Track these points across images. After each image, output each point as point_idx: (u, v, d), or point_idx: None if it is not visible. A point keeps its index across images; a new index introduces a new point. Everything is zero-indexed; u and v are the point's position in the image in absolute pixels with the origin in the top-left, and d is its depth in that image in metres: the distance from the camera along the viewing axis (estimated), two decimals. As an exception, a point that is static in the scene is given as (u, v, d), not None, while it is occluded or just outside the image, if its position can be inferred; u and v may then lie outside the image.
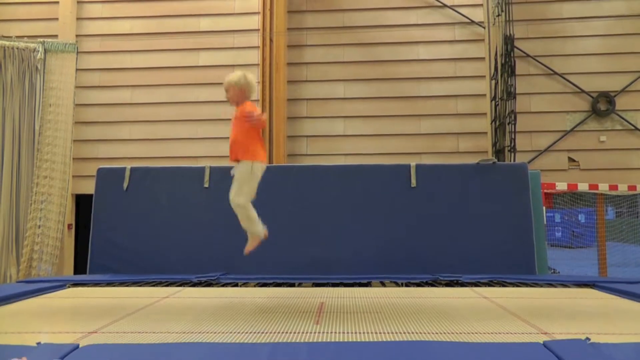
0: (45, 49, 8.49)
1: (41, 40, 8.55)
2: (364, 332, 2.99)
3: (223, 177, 6.13)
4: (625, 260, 9.04)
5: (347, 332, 2.99)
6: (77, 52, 8.73)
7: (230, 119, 4.08)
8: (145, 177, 6.36)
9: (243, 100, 3.83)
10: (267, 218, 6.14)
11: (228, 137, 8.92)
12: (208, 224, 6.06)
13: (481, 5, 8.93)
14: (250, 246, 3.85)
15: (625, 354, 2.48)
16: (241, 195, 3.63)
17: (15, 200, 8.30)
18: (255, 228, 3.67)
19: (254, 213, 3.71)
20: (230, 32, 9.21)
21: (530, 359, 2.38)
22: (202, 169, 6.28)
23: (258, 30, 9.06)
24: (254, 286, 5.21)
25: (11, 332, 3.11)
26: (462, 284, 5.09)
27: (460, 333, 2.93)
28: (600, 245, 8.60)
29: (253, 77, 3.92)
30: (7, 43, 8.46)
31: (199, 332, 3.01)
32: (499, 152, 8.06)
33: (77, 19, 9.36)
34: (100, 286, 5.11)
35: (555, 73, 8.78)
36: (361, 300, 4.05)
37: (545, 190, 7.61)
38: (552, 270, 7.41)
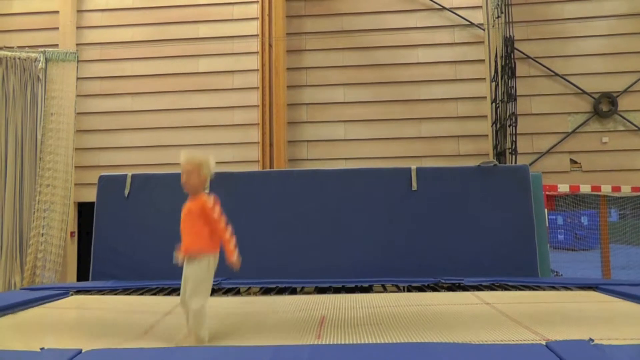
0: (46, 59, 8.54)
1: (42, 49, 8.60)
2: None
3: (223, 183, 6.15)
4: (629, 263, 9.00)
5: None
6: (78, 61, 8.77)
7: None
8: (147, 184, 6.36)
9: (200, 189, 3.26)
10: (269, 223, 6.17)
11: (229, 143, 9.01)
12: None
13: (481, 7, 8.94)
14: (185, 343, 3.04)
15: (628, 355, 2.47)
16: (200, 297, 3.06)
17: (18, 209, 8.33)
18: (203, 333, 3.02)
19: (206, 317, 3.09)
20: (230, 38, 9.24)
21: (533, 361, 2.37)
22: (203, 175, 6.27)
23: (257, 35, 9.09)
24: (256, 291, 5.20)
25: (15, 338, 3.11)
26: (464, 288, 5.07)
27: (463, 342, 2.90)
28: (604, 248, 8.57)
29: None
30: (8, 53, 8.51)
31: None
32: (500, 155, 8.05)
33: (77, 27, 9.40)
34: (104, 293, 5.11)
35: (556, 74, 8.78)
36: (362, 311, 3.99)
37: (547, 193, 7.60)
38: (555, 273, 7.38)
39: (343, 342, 3.02)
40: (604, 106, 8.68)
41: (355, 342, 3.01)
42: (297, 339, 3.16)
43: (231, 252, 3.18)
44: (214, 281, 5.35)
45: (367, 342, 3.01)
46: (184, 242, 3.19)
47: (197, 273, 3.10)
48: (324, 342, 3.04)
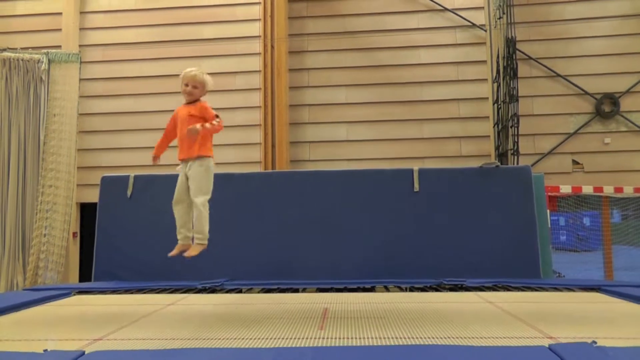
0: (49, 60, 8.58)
1: (45, 51, 8.63)
2: (368, 338, 2.98)
3: (226, 184, 6.16)
4: (632, 264, 8.98)
5: (352, 338, 2.98)
6: (81, 62, 8.81)
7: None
8: (149, 184, 6.38)
9: (199, 98, 3.76)
10: (271, 224, 6.18)
11: (231, 144, 9.01)
12: (211, 231, 6.06)
13: (482, 8, 8.93)
14: (194, 251, 3.63)
15: (631, 357, 2.46)
16: (204, 194, 3.51)
17: (21, 210, 8.36)
18: (206, 230, 3.50)
19: (208, 213, 3.56)
20: (232, 39, 9.24)
21: (536, 362, 2.37)
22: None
23: (259, 36, 9.09)
24: (258, 292, 5.21)
25: (18, 339, 3.12)
26: (466, 289, 5.08)
27: (465, 338, 2.92)
28: (606, 249, 8.55)
29: None
30: (12, 55, 8.55)
31: (203, 339, 3.01)
32: (502, 156, 8.05)
33: (80, 29, 9.42)
34: (106, 293, 5.12)
35: (558, 75, 8.77)
36: (365, 306, 4.03)
37: (550, 194, 7.60)
38: (557, 274, 7.38)
39: (345, 335, 3.05)
40: (606, 107, 8.67)
41: (357, 335, 3.03)
42: (300, 329, 3.19)
43: (210, 124, 3.55)
44: (216, 282, 5.40)
45: (369, 335, 3.03)
46: (187, 145, 3.54)
47: (202, 173, 3.48)
48: (326, 334, 3.07)
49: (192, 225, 3.57)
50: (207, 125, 3.51)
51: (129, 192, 6.33)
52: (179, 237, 3.77)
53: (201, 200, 3.44)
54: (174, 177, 6.45)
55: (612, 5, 8.87)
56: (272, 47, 8.97)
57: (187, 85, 3.69)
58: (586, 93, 8.69)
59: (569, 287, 5.04)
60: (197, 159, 3.50)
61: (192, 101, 3.70)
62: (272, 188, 6.25)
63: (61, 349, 2.70)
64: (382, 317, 3.52)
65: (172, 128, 3.89)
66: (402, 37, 9.15)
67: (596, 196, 8.42)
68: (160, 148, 3.76)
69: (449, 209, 6.00)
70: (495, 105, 8.36)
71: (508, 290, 5.00)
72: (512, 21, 8.08)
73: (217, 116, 3.55)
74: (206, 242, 3.46)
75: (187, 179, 3.50)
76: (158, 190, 6.33)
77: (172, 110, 9.38)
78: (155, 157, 3.77)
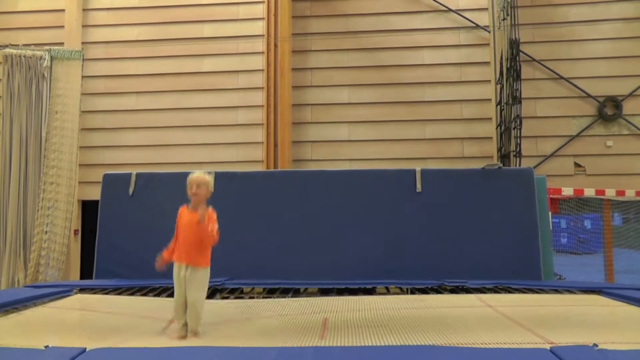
0: (51, 57, 8.57)
1: (47, 48, 8.62)
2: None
3: (228, 182, 6.17)
4: (632, 267, 8.97)
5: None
6: (83, 59, 8.80)
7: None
8: (151, 182, 6.38)
9: (204, 202, 3.72)
10: (273, 224, 6.17)
11: (232, 143, 9.02)
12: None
13: (486, 9, 8.93)
14: (178, 335, 3.49)
15: (632, 360, 2.46)
16: (203, 298, 3.57)
17: (22, 207, 8.36)
18: (199, 328, 3.49)
19: (202, 315, 3.59)
20: (235, 37, 9.24)
21: (537, 365, 2.36)
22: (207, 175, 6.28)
23: (262, 35, 9.08)
24: (260, 292, 5.20)
25: (19, 336, 3.12)
26: (468, 290, 5.07)
27: (466, 344, 2.90)
28: (607, 252, 8.54)
29: None
30: (14, 51, 8.54)
31: (205, 338, 2.99)
32: (504, 157, 8.04)
33: (83, 26, 9.42)
34: (107, 291, 5.12)
35: (561, 77, 8.76)
36: (366, 313, 3.99)
37: (551, 196, 7.58)
38: (558, 277, 7.36)
39: (346, 343, 3.02)
40: (609, 110, 8.66)
41: (358, 343, 3.00)
42: (301, 340, 3.16)
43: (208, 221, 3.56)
44: (218, 281, 5.39)
45: (369, 344, 3.00)
46: (191, 252, 3.59)
47: (201, 280, 3.57)
48: (327, 342, 3.04)
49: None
50: (213, 227, 3.57)
51: (130, 190, 6.33)
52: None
53: (200, 302, 3.52)
54: (176, 175, 6.48)
55: (615, 9, 8.86)
56: (276, 46, 8.96)
57: (191, 188, 3.71)
58: (589, 96, 8.68)
59: (570, 290, 5.03)
60: (197, 269, 3.55)
61: (199, 205, 3.66)
62: (274, 187, 6.25)
63: (62, 345, 2.70)
64: (382, 325, 3.49)
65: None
66: (406, 37, 9.13)
67: (598, 199, 8.40)
68: (170, 254, 3.68)
69: (451, 210, 5.99)
70: (498, 106, 8.35)
71: (509, 292, 4.99)
72: (516, 23, 8.07)
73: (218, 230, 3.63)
74: (197, 334, 3.46)
75: (184, 282, 3.52)
76: (160, 188, 6.34)
77: (174, 109, 9.44)
78: (164, 263, 3.69)
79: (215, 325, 3.76)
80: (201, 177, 3.74)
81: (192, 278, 3.52)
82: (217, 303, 4.67)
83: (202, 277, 3.58)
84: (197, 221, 3.52)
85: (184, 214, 3.75)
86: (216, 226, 3.59)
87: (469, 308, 4.19)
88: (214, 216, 3.63)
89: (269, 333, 3.41)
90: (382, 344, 2.96)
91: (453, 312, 4.03)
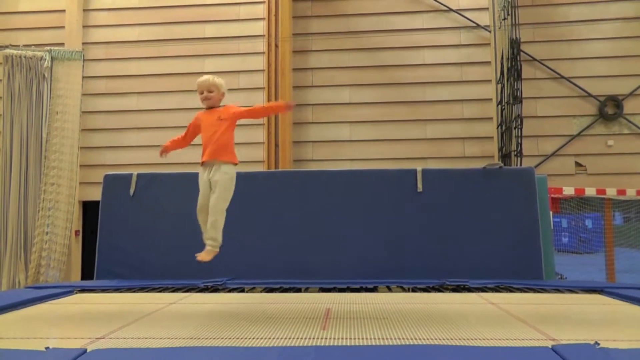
0: (52, 57, 8.57)
1: (48, 48, 8.63)
2: (371, 338, 2.97)
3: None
4: (634, 266, 8.95)
5: (354, 338, 2.97)
6: (84, 60, 8.80)
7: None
8: (152, 183, 6.38)
9: (218, 103, 3.78)
10: (274, 224, 6.17)
11: (234, 143, 8.98)
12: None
13: (487, 8, 8.93)
14: (208, 256, 3.57)
15: (634, 359, 2.46)
16: (226, 201, 3.47)
17: (23, 208, 8.36)
18: (220, 236, 3.44)
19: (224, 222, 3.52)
20: (236, 38, 9.24)
21: (539, 364, 2.36)
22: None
23: (263, 36, 9.08)
24: (261, 291, 5.20)
25: (20, 337, 3.12)
26: (469, 289, 5.07)
27: (468, 339, 2.90)
28: (608, 251, 8.54)
29: None
30: (14, 52, 8.55)
31: (206, 338, 3.00)
32: (505, 157, 8.04)
33: (83, 26, 9.42)
34: (108, 292, 5.12)
35: (562, 77, 8.76)
36: (368, 306, 4.02)
37: (552, 195, 7.58)
38: (560, 276, 7.36)
39: (348, 335, 3.04)
40: (610, 109, 8.66)
41: (359, 336, 3.02)
42: (303, 329, 3.18)
43: (277, 104, 3.55)
44: (219, 281, 5.39)
45: (371, 336, 3.02)
46: (214, 148, 3.53)
47: (228, 181, 3.45)
48: (329, 334, 3.06)
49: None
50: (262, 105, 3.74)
51: (131, 191, 6.33)
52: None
53: (221, 208, 3.41)
54: (177, 176, 6.49)
55: (615, 8, 8.86)
56: (276, 46, 8.97)
57: (202, 92, 3.72)
58: (590, 95, 8.68)
59: (571, 289, 5.03)
60: (223, 164, 3.47)
61: (214, 106, 3.70)
62: (275, 187, 6.25)
63: (63, 346, 2.70)
64: (384, 318, 3.51)
65: (192, 133, 3.90)
66: (406, 37, 9.14)
67: (599, 198, 8.40)
68: (174, 145, 3.75)
69: (452, 210, 5.99)
70: (499, 106, 8.35)
71: (511, 291, 4.99)
72: (517, 22, 8.07)
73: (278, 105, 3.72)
74: (218, 248, 3.41)
75: (210, 184, 3.40)
76: (161, 188, 6.34)
77: (175, 109, 9.43)
78: (165, 150, 3.75)
79: (215, 314, 3.77)
80: (210, 79, 3.70)
81: (219, 178, 3.40)
82: (220, 296, 4.67)
83: (229, 175, 3.45)
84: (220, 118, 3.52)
85: (202, 117, 3.74)
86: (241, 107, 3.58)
87: (471, 305, 4.20)
88: (235, 106, 3.64)
89: (271, 322, 3.42)
90: (385, 337, 2.97)
91: (455, 307, 4.04)
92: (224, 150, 3.53)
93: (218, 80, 3.76)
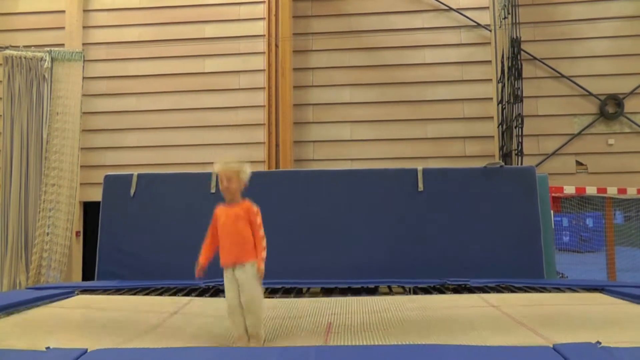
0: (52, 58, 8.57)
1: (48, 49, 8.63)
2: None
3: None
4: (634, 265, 8.95)
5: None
6: (84, 61, 8.80)
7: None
8: (152, 183, 6.37)
9: (239, 195, 3.35)
10: (275, 223, 6.16)
11: (234, 144, 9.01)
12: (215, 230, 6.07)
13: (487, 8, 8.93)
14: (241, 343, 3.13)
15: (636, 358, 2.45)
16: (260, 299, 3.20)
17: (24, 208, 8.36)
18: (262, 331, 3.16)
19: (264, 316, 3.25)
20: (236, 38, 9.24)
21: (540, 363, 2.35)
22: (209, 175, 6.28)
23: (264, 35, 9.08)
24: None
25: (21, 338, 3.11)
26: (470, 289, 5.06)
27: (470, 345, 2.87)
28: (609, 250, 8.53)
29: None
30: (14, 53, 8.54)
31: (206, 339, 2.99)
32: (506, 156, 8.03)
33: (84, 27, 9.42)
34: (109, 292, 5.11)
35: (563, 76, 8.75)
36: (369, 316, 3.94)
37: (553, 194, 7.57)
38: (561, 275, 7.36)
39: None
40: (610, 108, 8.65)
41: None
42: (305, 343, 3.12)
43: (261, 261, 3.22)
44: (220, 281, 5.37)
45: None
46: (233, 249, 3.21)
47: (251, 278, 3.15)
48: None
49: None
50: (262, 255, 3.26)
51: (132, 191, 6.33)
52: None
53: (256, 306, 3.14)
54: (177, 176, 6.49)
55: (615, 7, 8.85)
56: (277, 46, 8.96)
57: (222, 182, 3.28)
58: (590, 94, 8.67)
59: (572, 288, 5.02)
60: (247, 263, 3.17)
61: (233, 199, 3.32)
62: (276, 187, 6.24)
63: (64, 346, 2.70)
64: (385, 328, 3.47)
65: (216, 232, 3.38)
66: (407, 36, 9.13)
67: (599, 197, 8.40)
68: (207, 258, 3.32)
69: (453, 209, 5.98)
70: (500, 105, 8.34)
71: (512, 290, 4.98)
72: (517, 21, 8.06)
73: (261, 226, 3.26)
74: (261, 341, 3.10)
75: (237, 283, 3.13)
76: (162, 189, 6.34)
77: (175, 109, 9.43)
78: (202, 268, 3.32)
79: (222, 327, 3.72)
80: (228, 168, 3.26)
81: (240, 278, 3.15)
82: (222, 302, 4.64)
83: (250, 275, 3.14)
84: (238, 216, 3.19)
85: (221, 211, 3.32)
86: (261, 231, 3.23)
87: (473, 308, 4.17)
88: (258, 219, 3.26)
89: (273, 337, 3.38)
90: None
91: (457, 312, 3.99)
92: (243, 251, 3.21)
93: (237, 167, 3.31)
